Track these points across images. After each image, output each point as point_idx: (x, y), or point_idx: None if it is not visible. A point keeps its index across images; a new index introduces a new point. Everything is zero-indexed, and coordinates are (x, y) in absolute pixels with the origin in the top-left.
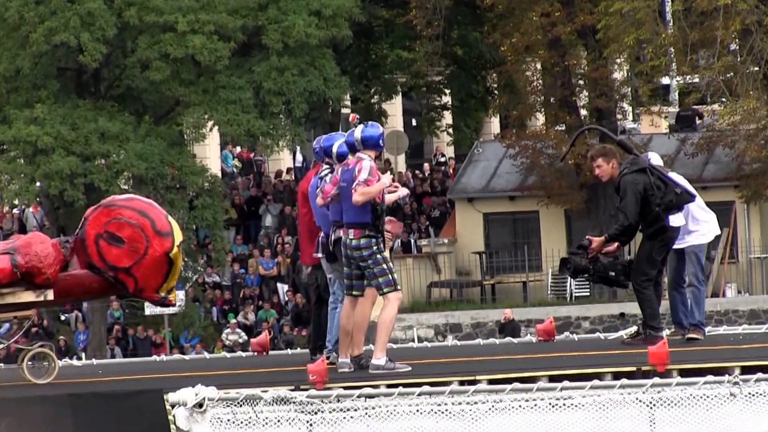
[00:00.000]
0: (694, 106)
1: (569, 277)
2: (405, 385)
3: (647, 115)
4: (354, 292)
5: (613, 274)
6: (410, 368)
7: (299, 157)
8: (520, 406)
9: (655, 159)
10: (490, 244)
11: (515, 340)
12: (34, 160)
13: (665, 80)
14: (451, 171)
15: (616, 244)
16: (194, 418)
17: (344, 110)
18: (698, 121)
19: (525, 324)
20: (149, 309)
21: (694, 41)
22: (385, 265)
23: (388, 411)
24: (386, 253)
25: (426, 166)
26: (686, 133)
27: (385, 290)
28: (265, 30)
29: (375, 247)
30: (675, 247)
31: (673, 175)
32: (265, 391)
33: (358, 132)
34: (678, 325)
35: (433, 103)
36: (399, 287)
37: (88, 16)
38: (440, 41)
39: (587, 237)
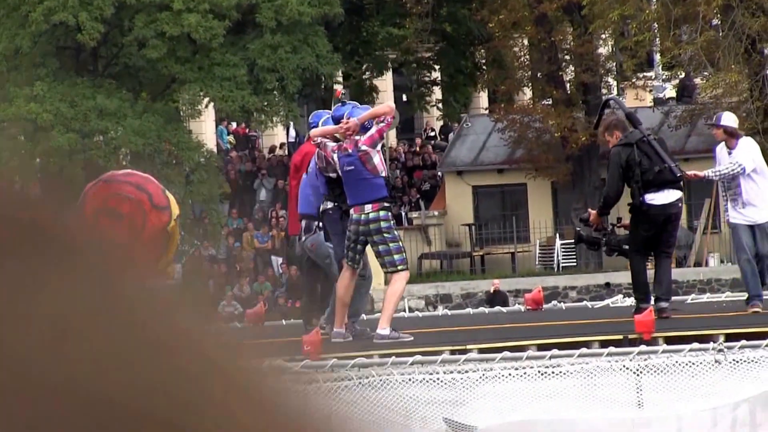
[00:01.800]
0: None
1: (587, 249)
2: (398, 355)
3: (632, 89)
4: (355, 265)
5: (626, 246)
6: (412, 338)
7: (292, 133)
8: (510, 374)
9: (727, 119)
10: (479, 216)
11: (504, 310)
12: (34, 137)
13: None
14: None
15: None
16: None
17: (336, 86)
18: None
19: (513, 294)
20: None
21: (677, 17)
22: (400, 242)
23: (381, 380)
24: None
25: (417, 141)
26: (670, 106)
27: (399, 268)
28: (259, 8)
29: (393, 221)
30: (748, 222)
31: (742, 148)
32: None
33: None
34: (757, 299)
35: (422, 78)
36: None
37: None
38: (429, 18)
39: (588, 210)
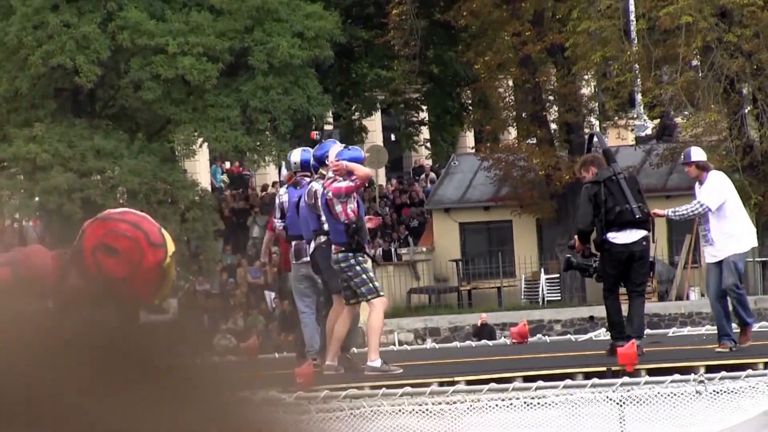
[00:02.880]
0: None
1: (580, 275)
2: (388, 387)
3: (614, 128)
4: (350, 301)
5: None
6: (402, 370)
7: (284, 172)
8: (496, 405)
9: (696, 154)
10: (466, 252)
11: (491, 343)
12: (34, 176)
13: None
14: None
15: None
16: None
17: (327, 127)
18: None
19: (500, 327)
20: (143, 316)
21: (658, 58)
22: (364, 275)
23: (372, 411)
24: (366, 264)
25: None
26: (651, 145)
27: (368, 297)
28: (251, 51)
29: (352, 260)
30: (713, 260)
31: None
32: (254, 395)
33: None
34: (726, 338)
35: (410, 118)
36: (382, 293)
37: (84, 40)
38: (417, 60)
39: (574, 237)
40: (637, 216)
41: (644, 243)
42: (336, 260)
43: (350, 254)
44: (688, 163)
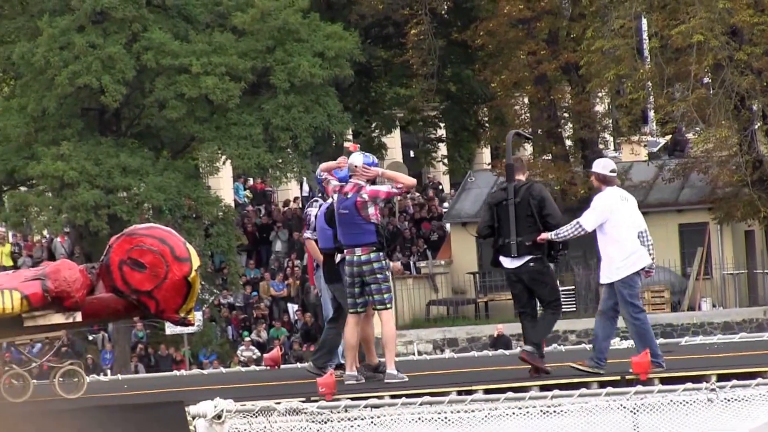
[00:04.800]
0: (679, 135)
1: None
2: (407, 396)
3: (627, 144)
4: (359, 309)
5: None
6: (407, 378)
7: (306, 187)
8: (513, 413)
9: (597, 166)
10: (483, 265)
11: (507, 353)
12: (62, 193)
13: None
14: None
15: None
16: (213, 429)
17: (347, 144)
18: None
19: (516, 338)
20: (170, 328)
21: (670, 76)
22: (390, 282)
23: (392, 419)
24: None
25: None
26: (664, 160)
27: (388, 306)
28: (273, 71)
29: (384, 262)
30: (604, 281)
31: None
32: (279, 403)
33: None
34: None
35: (429, 136)
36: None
37: (109, 60)
38: (435, 79)
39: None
40: (513, 255)
41: (531, 264)
42: (368, 260)
43: (382, 254)
44: (590, 172)
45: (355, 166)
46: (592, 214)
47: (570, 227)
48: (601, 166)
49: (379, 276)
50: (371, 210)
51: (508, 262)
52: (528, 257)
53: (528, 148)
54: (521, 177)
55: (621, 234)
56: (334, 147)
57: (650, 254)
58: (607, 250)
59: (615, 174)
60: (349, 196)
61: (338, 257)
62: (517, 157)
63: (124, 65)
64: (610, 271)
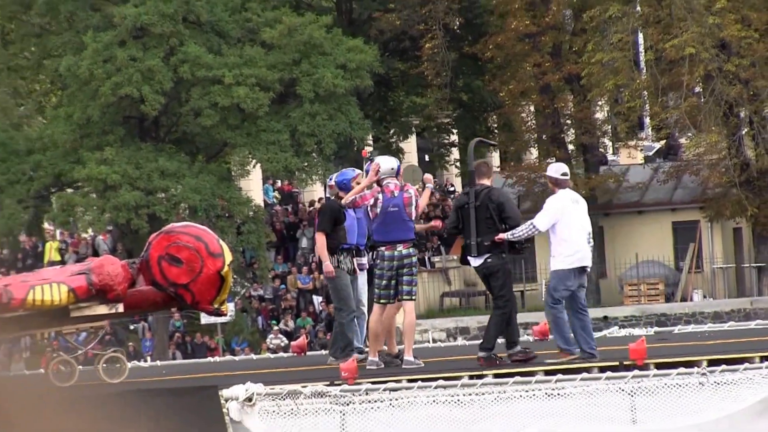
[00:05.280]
0: (673, 140)
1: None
2: (423, 380)
3: (625, 148)
4: (382, 301)
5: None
6: (423, 363)
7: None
8: (520, 395)
9: (550, 170)
10: None
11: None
12: (105, 194)
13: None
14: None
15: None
16: (245, 411)
17: (367, 148)
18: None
19: (523, 327)
20: (204, 318)
21: (664, 85)
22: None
23: (409, 401)
24: None
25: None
26: (658, 163)
27: (414, 297)
28: (299, 81)
29: (415, 258)
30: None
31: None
32: (305, 387)
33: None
34: (570, 348)
35: (442, 141)
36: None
37: (149, 72)
38: (448, 89)
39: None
40: (473, 254)
41: (489, 261)
42: (408, 254)
43: (415, 250)
44: (546, 175)
45: (391, 168)
46: (544, 216)
47: (524, 227)
48: (554, 170)
49: (414, 269)
50: (411, 209)
51: (472, 261)
52: (487, 255)
53: (533, 153)
54: (486, 181)
55: (571, 234)
56: (355, 151)
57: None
58: (557, 248)
59: (567, 177)
60: (396, 194)
61: (367, 255)
62: (483, 161)
63: (162, 77)
64: (555, 263)
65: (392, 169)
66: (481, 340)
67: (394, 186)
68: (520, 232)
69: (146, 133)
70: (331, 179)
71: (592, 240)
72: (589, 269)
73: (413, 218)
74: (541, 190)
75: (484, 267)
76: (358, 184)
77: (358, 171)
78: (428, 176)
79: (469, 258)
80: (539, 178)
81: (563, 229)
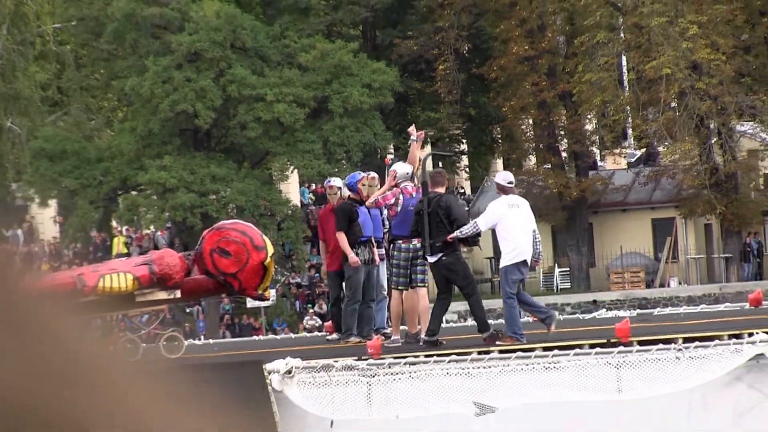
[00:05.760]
0: (652, 148)
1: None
2: (438, 355)
3: (611, 156)
4: (400, 287)
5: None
6: (444, 342)
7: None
8: (521, 369)
9: (498, 177)
10: (498, 252)
11: None
12: (164, 196)
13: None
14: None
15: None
16: (285, 382)
17: (389, 156)
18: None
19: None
20: (250, 303)
21: (644, 101)
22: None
23: (426, 374)
24: None
25: None
26: (639, 168)
27: (426, 284)
28: (330, 99)
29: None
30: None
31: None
32: (336, 361)
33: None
34: (514, 334)
35: (453, 149)
36: None
37: (201, 91)
38: (458, 105)
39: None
40: (428, 253)
41: (444, 259)
42: (416, 248)
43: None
44: (495, 182)
45: (406, 173)
46: (484, 217)
47: (469, 226)
48: (501, 178)
49: (424, 260)
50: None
51: (428, 258)
52: (440, 254)
53: (532, 159)
54: (440, 189)
55: (509, 233)
56: (378, 159)
57: (537, 248)
58: (500, 245)
59: (512, 185)
60: (414, 195)
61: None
62: (437, 171)
63: (213, 95)
64: (501, 261)
65: (407, 173)
66: (477, 325)
67: (412, 188)
68: (466, 230)
69: (199, 143)
70: (329, 182)
71: (539, 236)
72: (530, 261)
73: (411, 181)
74: (539, 191)
75: (442, 265)
76: (363, 185)
77: (363, 174)
78: (411, 129)
79: (427, 256)
80: (537, 181)
81: (503, 230)
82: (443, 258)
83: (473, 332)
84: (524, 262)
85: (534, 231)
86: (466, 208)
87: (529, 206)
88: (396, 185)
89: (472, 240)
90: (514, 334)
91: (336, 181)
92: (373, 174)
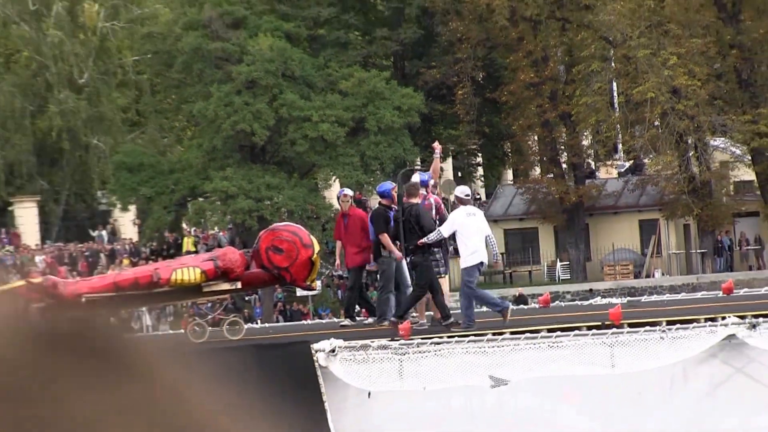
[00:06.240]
0: (639, 160)
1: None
2: (458, 336)
3: (604, 166)
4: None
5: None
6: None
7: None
8: (529, 347)
9: (457, 190)
10: (508, 247)
11: (525, 307)
12: (226, 202)
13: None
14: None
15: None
16: (329, 359)
17: (417, 168)
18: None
19: (531, 297)
20: (299, 292)
21: (632, 120)
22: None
23: (449, 352)
24: None
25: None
26: (628, 177)
27: (445, 275)
28: (366, 119)
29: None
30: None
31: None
32: (372, 342)
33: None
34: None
35: (471, 162)
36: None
37: (257, 113)
38: (474, 124)
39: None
40: (404, 254)
41: (413, 259)
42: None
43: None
44: (455, 195)
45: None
46: (446, 225)
47: (435, 233)
48: (460, 191)
49: (445, 255)
50: (433, 212)
51: (405, 259)
52: (412, 255)
53: (537, 170)
54: (414, 200)
55: (468, 238)
56: (407, 169)
57: (493, 251)
58: (460, 248)
59: (468, 197)
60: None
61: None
62: (412, 184)
63: (267, 116)
64: (462, 262)
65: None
66: (396, 309)
67: (430, 193)
68: (433, 236)
69: (256, 157)
70: (342, 191)
71: (494, 240)
72: (486, 263)
73: (435, 190)
74: (543, 197)
75: (411, 264)
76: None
77: (393, 184)
78: (435, 144)
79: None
80: (541, 188)
81: (461, 236)
82: (412, 258)
83: (487, 317)
84: (481, 263)
85: (488, 236)
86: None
87: (483, 215)
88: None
89: (439, 244)
90: (499, 309)
91: (348, 191)
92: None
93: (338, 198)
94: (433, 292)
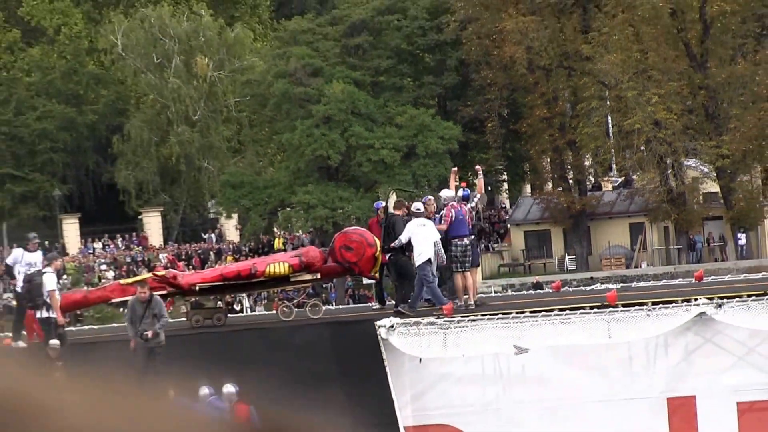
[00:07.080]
0: (629, 177)
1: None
2: (489, 314)
3: (602, 182)
4: (459, 269)
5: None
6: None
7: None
8: (545, 323)
9: (414, 206)
10: (528, 245)
11: (541, 291)
12: (308, 211)
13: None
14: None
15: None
16: (390, 333)
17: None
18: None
19: (546, 283)
20: (365, 280)
21: (623, 146)
22: None
23: (482, 326)
24: None
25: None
26: (621, 189)
27: (477, 266)
28: (417, 146)
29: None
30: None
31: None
32: (423, 318)
33: (459, 192)
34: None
35: (498, 178)
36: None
37: (332, 142)
38: (501, 149)
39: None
40: (387, 254)
41: (391, 258)
42: (466, 244)
43: (474, 239)
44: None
45: (450, 196)
46: (404, 234)
47: (398, 240)
48: (414, 207)
49: (475, 250)
50: (467, 217)
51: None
52: (390, 254)
53: (550, 185)
54: (398, 212)
55: (419, 243)
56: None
57: (440, 253)
58: (414, 250)
59: (420, 211)
60: (460, 208)
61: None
62: (399, 200)
63: (339, 144)
64: (416, 260)
65: (451, 196)
66: (396, 302)
67: (457, 204)
68: (397, 242)
69: (331, 176)
70: (380, 205)
71: (439, 243)
72: (435, 260)
73: (473, 220)
74: (555, 206)
75: (391, 262)
76: (428, 205)
77: (383, 202)
78: (478, 167)
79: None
80: (553, 199)
81: (414, 241)
82: (391, 257)
83: (512, 299)
84: (429, 260)
85: (435, 243)
86: (506, 217)
87: (433, 224)
88: (446, 205)
89: (402, 247)
90: (441, 304)
91: (381, 203)
92: (431, 197)
93: (376, 210)
94: (401, 282)
